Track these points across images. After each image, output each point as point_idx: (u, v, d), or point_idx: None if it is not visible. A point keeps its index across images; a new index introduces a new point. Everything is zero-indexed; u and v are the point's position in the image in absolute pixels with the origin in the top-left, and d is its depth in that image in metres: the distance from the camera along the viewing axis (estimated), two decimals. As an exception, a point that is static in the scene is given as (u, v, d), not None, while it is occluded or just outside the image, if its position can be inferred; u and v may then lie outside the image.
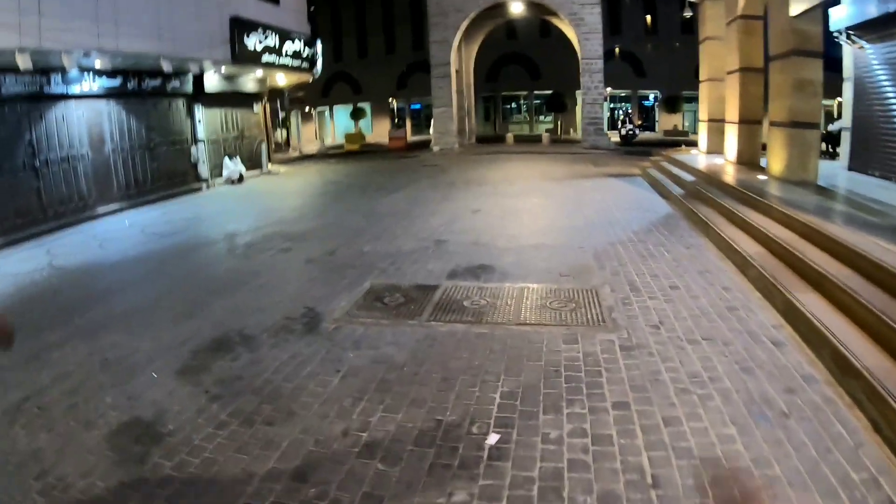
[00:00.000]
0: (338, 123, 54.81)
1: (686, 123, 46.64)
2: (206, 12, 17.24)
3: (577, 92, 47.59)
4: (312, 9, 54.13)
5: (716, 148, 17.02)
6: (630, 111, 42.79)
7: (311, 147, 34.49)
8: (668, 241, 8.54)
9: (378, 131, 48.29)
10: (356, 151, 32.98)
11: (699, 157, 16.16)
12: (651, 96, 47.01)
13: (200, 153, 18.54)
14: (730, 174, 12.15)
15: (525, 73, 48.29)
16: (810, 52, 10.77)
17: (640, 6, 44.29)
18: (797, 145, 10.91)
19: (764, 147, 15.99)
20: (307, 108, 55.02)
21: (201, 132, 18.65)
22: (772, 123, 11.66)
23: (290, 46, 21.27)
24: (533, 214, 10.90)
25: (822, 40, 10.77)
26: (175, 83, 17.41)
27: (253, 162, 21.80)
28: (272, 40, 20.03)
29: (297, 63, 22.00)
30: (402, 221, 10.67)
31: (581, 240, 8.68)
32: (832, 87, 12.62)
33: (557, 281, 6.72)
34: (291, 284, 7.20)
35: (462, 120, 30.66)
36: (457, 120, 28.23)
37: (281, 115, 38.31)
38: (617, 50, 39.12)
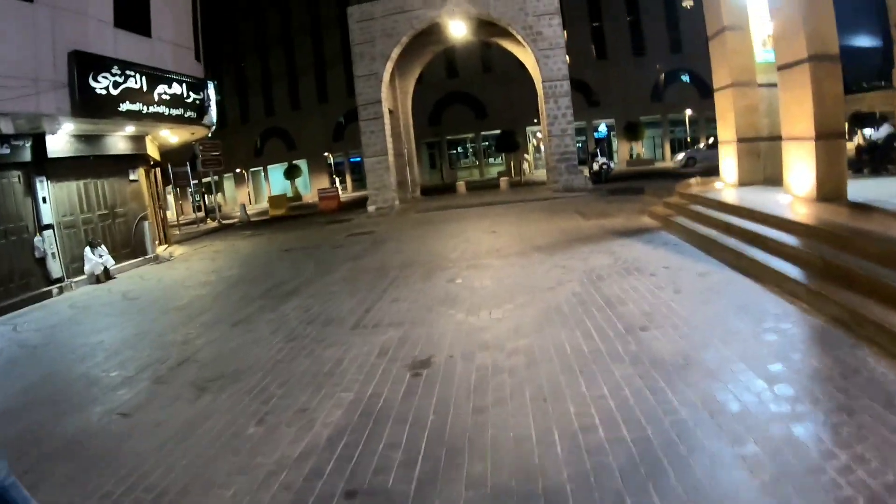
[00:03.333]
0: (273, 184, 48.94)
1: (645, 151, 42.22)
2: (28, 45, 11.44)
3: (529, 128, 42.98)
4: (243, 64, 48.81)
5: (750, 177, 11.80)
6: (587, 143, 37.79)
7: (242, 214, 28.09)
8: None
9: (317, 189, 42.78)
10: (282, 217, 26.86)
11: (743, 193, 10.60)
12: (602, 126, 42.39)
13: (47, 244, 12.49)
14: (868, 228, 6.46)
15: (470, 113, 43.31)
16: None
17: (586, 31, 39.99)
18: None
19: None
20: (238, 170, 49.15)
21: (48, 215, 12.79)
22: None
23: (165, 91, 15.33)
24: (557, 377, 4.58)
25: None
26: (2, 150, 11.58)
27: (133, 247, 15.57)
28: (135, 82, 14.13)
29: (176, 112, 16.01)
30: (249, 430, 4.38)
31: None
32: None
33: None
34: None
35: (402, 170, 24.75)
36: (395, 170, 22.23)
37: (193, 182, 32.21)
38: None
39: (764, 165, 11.91)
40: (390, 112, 22.92)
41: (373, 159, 21.57)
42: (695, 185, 13.24)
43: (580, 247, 9.79)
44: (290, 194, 45.98)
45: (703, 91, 40.60)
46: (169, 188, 31.75)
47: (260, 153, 49.12)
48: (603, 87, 40.68)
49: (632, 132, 39.52)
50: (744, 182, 11.82)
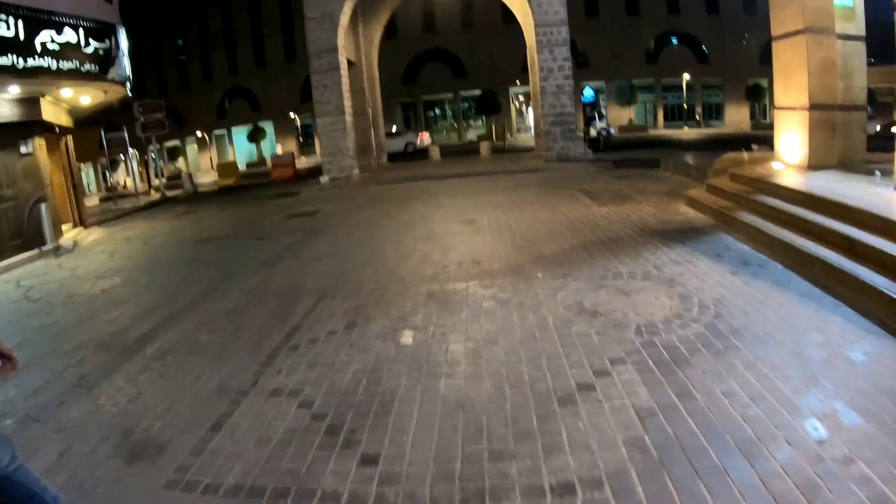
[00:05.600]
0: (238, 147, 44.36)
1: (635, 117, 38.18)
2: None
3: (512, 89, 38.81)
4: (206, 20, 43.42)
5: (822, 158, 8.20)
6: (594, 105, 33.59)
7: (186, 185, 23.97)
8: None
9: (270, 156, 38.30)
10: (231, 188, 22.74)
11: (833, 184, 6.88)
12: (588, 89, 38.29)
13: None
14: None
15: (448, 72, 38.98)
16: None
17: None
18: None
19: None
20: (200, 134, 44.52)
21: None
22: None
23: (52, 38, 11.28)
24: None
25: None
26: None
27: (27, 237, 11.63)
28: (7, 27, 10.29)
29: (69, 65, 11.89)
30: None
31: None
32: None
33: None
34: None
35: (365, 132, 20.61)
36: (354, 135, 18.10)
37: (150, 148, 27.97)
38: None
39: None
40: (350, 63, 18.74)
41: (327, 119, 17.35)
42: (746, 162, 9.57)
43: (610, 261, 6.05)
44: (255, 159, 41.72)
45: (700, 55, 36.93)
46: (132, 153, 27.61)
47: (223, 115, 44.44)
48: (593, 48, 36.59)
49: (624, 96, 35.73)
50: (814, 164, 8.18)
